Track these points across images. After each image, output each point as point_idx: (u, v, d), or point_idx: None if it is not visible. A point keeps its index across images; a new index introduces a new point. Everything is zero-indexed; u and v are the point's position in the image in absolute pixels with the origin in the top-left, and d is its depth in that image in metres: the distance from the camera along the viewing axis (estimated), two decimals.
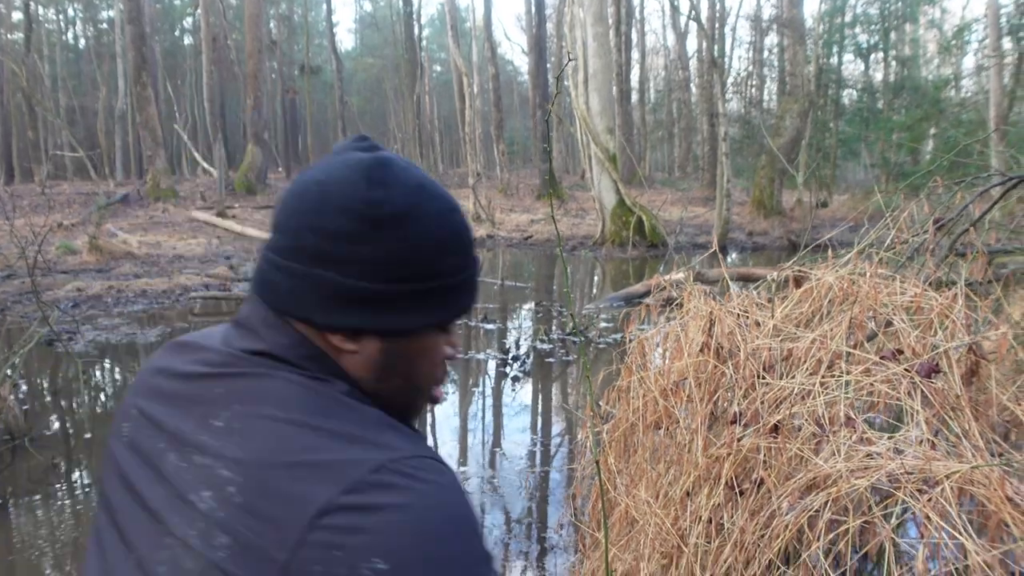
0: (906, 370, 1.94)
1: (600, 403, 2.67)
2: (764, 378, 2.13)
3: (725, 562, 1.86)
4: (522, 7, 47.67)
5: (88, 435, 5.04)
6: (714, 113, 22.79)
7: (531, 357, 6.85)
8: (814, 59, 21.38)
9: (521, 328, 8.63)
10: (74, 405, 5.72)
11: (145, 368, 0.87)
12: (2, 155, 30.03)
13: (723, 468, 1.99)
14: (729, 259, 14.34)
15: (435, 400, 0.89)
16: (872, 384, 1.95)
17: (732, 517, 1.94)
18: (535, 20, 28.10)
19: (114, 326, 8.21)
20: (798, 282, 2.49)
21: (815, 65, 21.26)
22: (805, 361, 2.11)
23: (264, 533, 0.65)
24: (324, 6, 39.12)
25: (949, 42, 22.74)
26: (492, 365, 6.75)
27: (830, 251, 2.59)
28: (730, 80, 33.22)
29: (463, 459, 4.61)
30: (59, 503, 3.96)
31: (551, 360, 6.85)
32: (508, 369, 6.54)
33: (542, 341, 7.43)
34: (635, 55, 35.97)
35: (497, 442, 4.91)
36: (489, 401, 5.94)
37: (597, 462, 2.21)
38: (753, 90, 35.71)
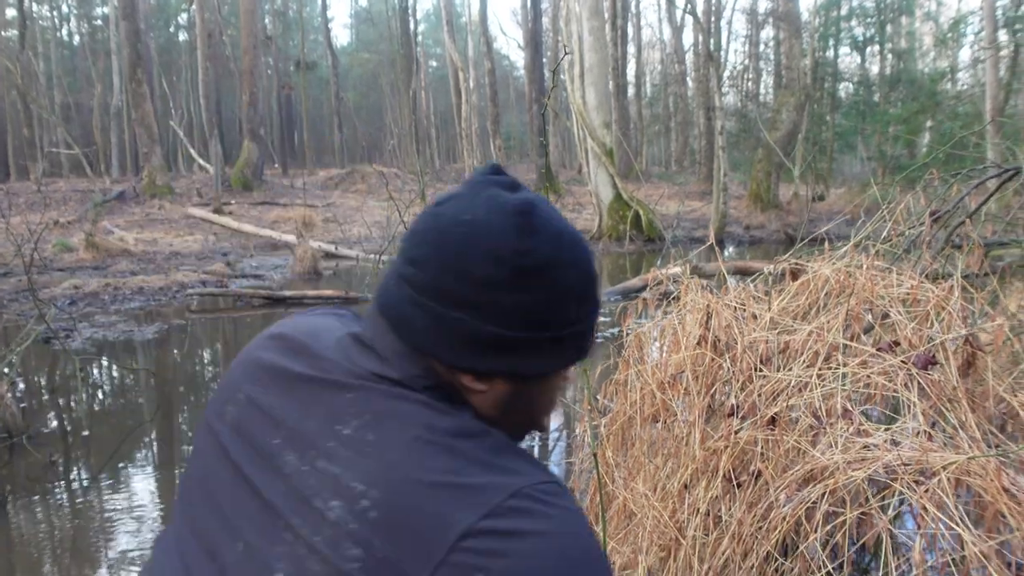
0: (903, 362, 1.94)
1: (598, 397, 2.67)
2: (761, 371, 2.13)
3: (723, 554, 1.87)
4: (518, 2, 47.58)
5: (86, 432, 5.03)
6: (710, 107, 22.77)
7: None
8: (810, 52, 21.37)
9: None
10: (71, 403, 5.72)
11: (248, 356, 0.87)
12: None
13: (721, 461, 1.99)
14: (726, 253, 14.35)
15: (543, 428, 0.90)
16: (869, 376, 1.95)
17: (730, 509, 1.94)
18: (531, 15, 28.06)
19: (111, 323, 8.20)
20: (795, 275, 2.49)
21: (811, 58, 21.24)
22: (802, 353, 2.12)
23: (402, 551, 0.66)
24: (319, 1, 39.04)
25: (945, 35, 22.76)
26: None
27: (827, 244, 2.59)
28: (726, 74, 33.21)
29: None
30: (57, 501, 3.96)
31: None
32: None
33: None
34: (631, 49, 35.91)
35: None
36: None
37: (595, 455, 2.21)
38: (749, 84, 35.73)
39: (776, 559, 1.78)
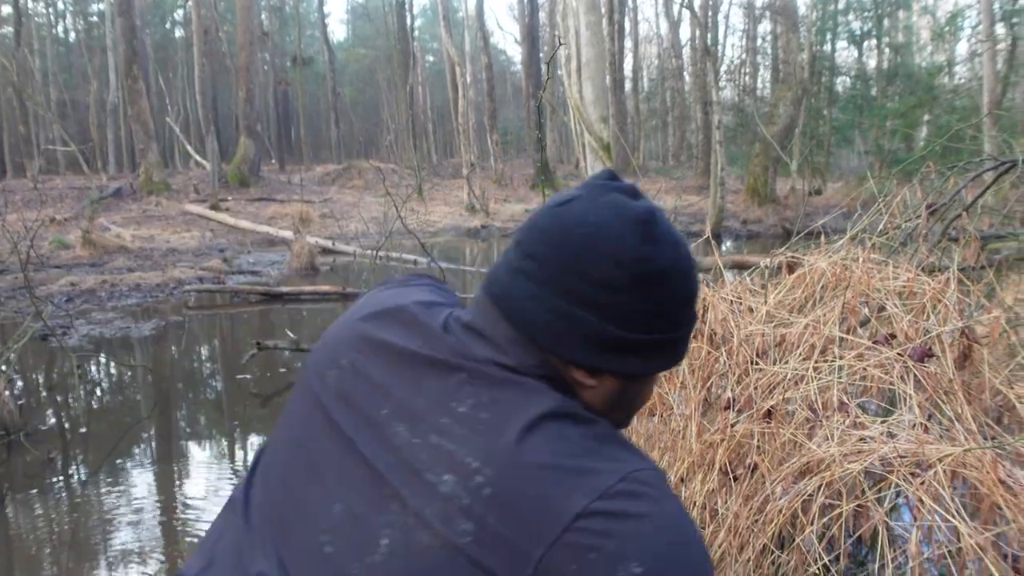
0: (899, 354, 1.94)
1: None
2: (757, 364, 2.13)
3: (720, 547, 1.87)
4: None
5: (83, 429, 5.03)
6: (708, 101, 22.75)
7: None
8: (807, 46, 21.34)
9: None
10: (69, 400, 5.71)
11: (349, 325, 0.90)
12: None
13: (717, 454, 1.99)
14: (723, 247, 14.35)
15: (629, 423, 0.95)
16: (865, 369, 1.95)
17: (726, 502, 1.95)
18: (528, 9, 28.01)
19: (108, 320, 8.19)
20: (791, 268, 2.49)
21: (808, 52, 21.22)
22: (798, 346, 2.12)
23: (516, 528, 0.69)
24: None
25: (942, 28, 22.75)
26: None
27: (823, 237, 2.59)
28: (723, 68, 33.19)
29: None
30: (55, 498, 3.95)
31: None
32: None
33: None
34: (628, 44, 35.83)
35: None
36: None
37: None
38: (747, 78, 35.70)
39: (772, 552, 1.78)
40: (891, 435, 1.78)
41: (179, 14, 43.48)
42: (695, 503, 1.99)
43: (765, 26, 32.33)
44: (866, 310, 2.24)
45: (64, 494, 4.01)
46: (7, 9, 29.36)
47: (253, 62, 24.66)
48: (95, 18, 41.39)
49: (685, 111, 35.43)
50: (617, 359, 0.81)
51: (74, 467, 4.42)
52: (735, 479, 1.97)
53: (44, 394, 5.92)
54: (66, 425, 5.17)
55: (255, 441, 4.94)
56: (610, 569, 0.67)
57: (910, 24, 29.19)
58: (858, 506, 1.69)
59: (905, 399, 1.85)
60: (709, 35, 29.38)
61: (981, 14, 15.46)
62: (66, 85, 37.44)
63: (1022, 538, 1.55)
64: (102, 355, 6.96)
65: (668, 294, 0.81)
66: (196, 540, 3.39)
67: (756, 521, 1.82)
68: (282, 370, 6.22)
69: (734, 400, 2.07)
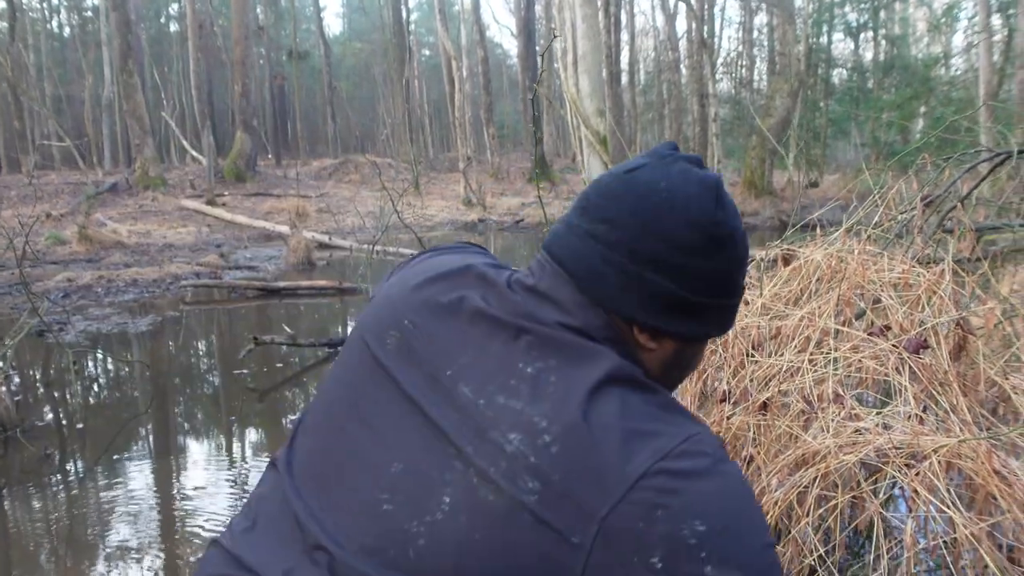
0: (894, 346, 1.94)
1: None
2: (753, 356, 2.14)
3: None
4: None
5: (81, 425, 5.03)
6: (704, 94, 22.74)
7: None
8: (804, 39, 21.31)
9: None
10: (66, 396, 5.71)
11: (409, 288, 0.90)
12: None
13: None
14: None
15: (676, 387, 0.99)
16: (860, 360, 1.95)
17: None
18: (524, 2, 27.95)
19: (105, 316, 8.18)
20: (787, 261, 2.49)
21: (805, 45, 21.19)
22: (794, 339, 2.12)
23: (582, 487, 0.70)
24: None
25: (939, 20, 22.70)
26: None
27: (819, 230, 2.59)
28: (720, 61, 33.12)
29: None
30: (53, 493, 3.95)
31: None
32: None
33: None
34: (624, 36, 35.73)
35: None
36: None
37: None
38: (743, 70, 35.65)
39: None
40: (886, 427, 1.78)
41: (174, 8, 43.35)
42: None
43: (761, 18, 32.29)
44: (861, 302, 2.24)
45: (61, 490, 4.00)
46: (1, 4, 29.21)
47: (249, 56, 24.60)
48: (90, 13, 41.23)
49: (681, 104, 35.36)
50: (678, 321, 0.83)
51: (71, 463, 4.42)
52: None
53: (41, 390, 5.91)
54: (63, 421, 5.16)
55: (253, 436, 4.94)
56: (675, 526, 0.69)
57: (906, 16, 29.20)
58: (854, 497, 1.70)
59: (900, 390, 1.86)
60: (705, 27, 29.31)
61: (977, 6, 15.46)
62: (61, 80, 37.28)
63: (1017, 528, 1.55)
64: (99, 351, 6.95)
65: (731, 257, 0.84)
66: (194, 534, 3.39)
67: None
68: (279, 365, 6.22)
69: (730, 392, 2.07)
